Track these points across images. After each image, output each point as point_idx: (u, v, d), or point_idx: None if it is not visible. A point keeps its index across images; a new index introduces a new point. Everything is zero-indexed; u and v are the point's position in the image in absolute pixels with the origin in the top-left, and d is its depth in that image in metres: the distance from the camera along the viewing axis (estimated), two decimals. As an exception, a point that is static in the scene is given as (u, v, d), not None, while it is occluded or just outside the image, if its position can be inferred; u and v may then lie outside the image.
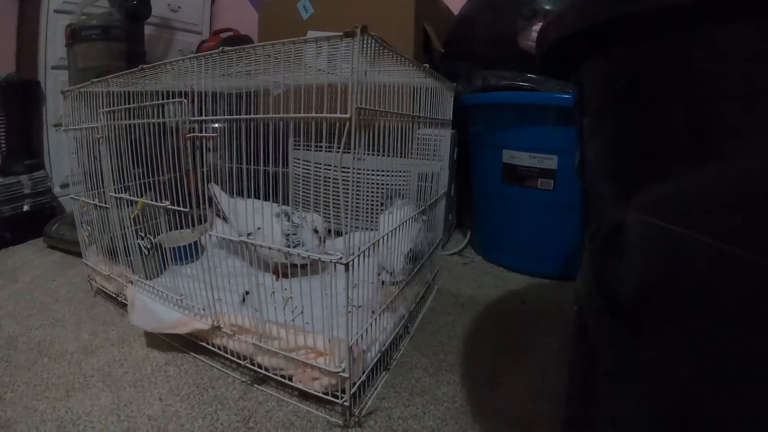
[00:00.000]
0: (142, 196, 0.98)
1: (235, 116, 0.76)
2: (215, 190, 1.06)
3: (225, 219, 1.14)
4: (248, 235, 1.01)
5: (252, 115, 0.73)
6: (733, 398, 0.33)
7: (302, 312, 0.80)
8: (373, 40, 0.65)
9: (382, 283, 0.94)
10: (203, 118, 0.79)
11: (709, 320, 0.34)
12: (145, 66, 0.90)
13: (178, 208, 0.86)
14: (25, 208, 1.78)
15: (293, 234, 1.10)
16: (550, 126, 1.33)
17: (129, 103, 0.96)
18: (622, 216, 0.42)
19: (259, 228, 1.01)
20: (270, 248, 0.79)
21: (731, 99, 0.32)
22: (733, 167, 0.32)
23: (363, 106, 0.65)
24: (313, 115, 0.66)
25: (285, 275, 1.10)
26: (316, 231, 1.15)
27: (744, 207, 0.31)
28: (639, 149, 0.41)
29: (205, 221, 0.92)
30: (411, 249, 1.00)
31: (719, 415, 0.35)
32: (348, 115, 0.62)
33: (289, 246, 1.08)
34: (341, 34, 0.61)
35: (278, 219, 1.10)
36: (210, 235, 0.87)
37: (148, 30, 2.05)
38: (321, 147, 0.69)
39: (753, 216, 0.30)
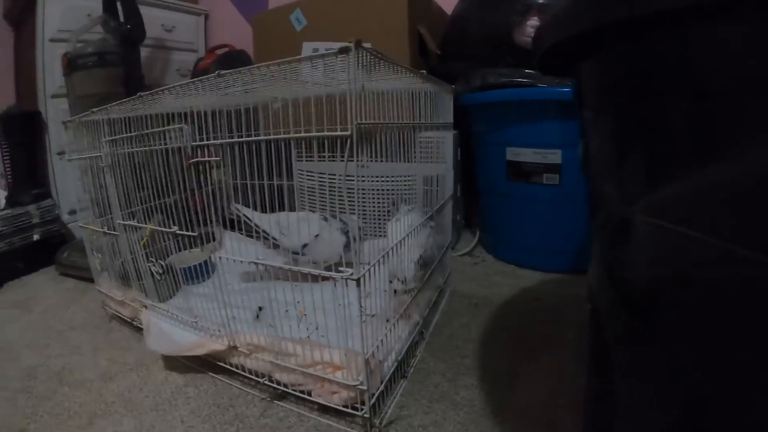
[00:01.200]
0: (149, 220, 0.99)
1: (235, 139, 0.76)
2: (243, 210, 1.06)
3: (257, 237, 1.14)
4: (304, 246, 1.03)
5: (252, 138, 0.74)
6: (751, 394, 0.33)
7: (317, 328, 0.80)
8: (368, 53, 0.65)
9: (395, 292, 0.94)
10: (204, 143, 0.79)
11: (721, 318, 0.34)
12: (143, 93, 0.91)
13: (186, 233, 0.87)
14: (35, 237, 1.79)
15: (347, 231, 1.13)
16: (551, 120, 1.32)
17: (130, 129, 0.96)
18: (627, 214, 0.42)
19: (317, 235, 1.02)
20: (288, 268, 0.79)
21: (729, 98, 0.32)
22: (734, 165, 0.31)
23: (363, 121, 0.65)
24: (314, 134, 0.66)
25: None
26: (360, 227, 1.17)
27: (746, 206, 0.31)
28: (637, 149, 0.41)
29: (214, 240, 0.92)
30: (421, 255, 1.00)
31: (737, 411, 0.34)
32: (348, 132, 0.62)
33: (348, 242, 1.11)
34: (336, 51, 0.61)
35: (328, 222, 1.11)
36: (220, 258, 0.87)
37: (144, 52, 2.07)
38: (324, 157, 0.69)
39: (756, 215, 0.30)
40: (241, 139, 0.75)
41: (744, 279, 0.32)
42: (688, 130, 0.35)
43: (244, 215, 1.02)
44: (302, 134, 0.68)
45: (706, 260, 0.34)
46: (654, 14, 0.34)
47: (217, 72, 0.74)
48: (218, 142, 0.77)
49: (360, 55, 0.63)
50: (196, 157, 0.80)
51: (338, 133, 0.62)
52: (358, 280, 0.67)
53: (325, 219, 1.17)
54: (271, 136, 0.71)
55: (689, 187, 0.34)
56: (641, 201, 0.40)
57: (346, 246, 1.13)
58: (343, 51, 0.60)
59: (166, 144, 0.88)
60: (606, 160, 0.48)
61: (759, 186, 0.30)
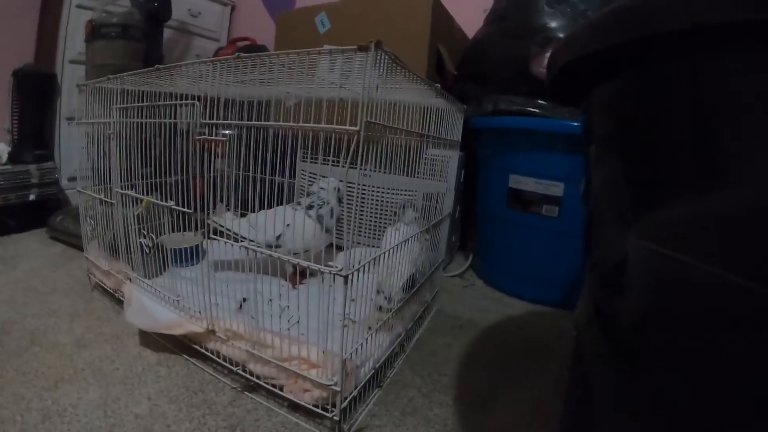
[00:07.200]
0: (147, 195, 0.99)
1: (245, 122, 0.76)
2: (217, 220, 1.04)
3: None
4: (278, 237, 1.02)
5: (262, 122, 0.74)
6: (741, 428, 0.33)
7: (298, 322, 0.80)
8: (386, 56, 0.65)
9: (379, 308, 0.93)
10: (214, 121, 0.80)
11: (710, 352, 0.34)
12: (161, 66, 0.91)
13: (183, 209, 0.87)
14: (32, 197, 1.79)
15: (318, 204, 1.12)
16: (557, 153, 1.33)
17: (142, 102, 0.96)
18: (626, 243, 0.42)
19: (288, 225, 1.02)
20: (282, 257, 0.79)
21: (740, 125, 0.32)
22: (740, 195, 0.31)
23: (372, 120, 0.65)
24: (323, 126, 0.66)
25: (302, 281, 1.11)
26: (338, 190, 1.16)
27: (749, 236, 0.31)
28: (645, 175, 0.41)
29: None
30: (411, 275, 0.99)
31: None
32: (357, 128, 0.62)
33: (321, 217, 1.10)
34: (355, 48, 0.61)
35: (294, 208, 1.11)
36: (211, 240, 0.86)
37: (167, 33, 2.09)
38: (328, 161, 0.70)
39: (759, 245, 0.30)
40: (249, 123, 0.75)
41: (734, 308, 0.31)
42: (695, 157, 0.35)
43: (218, 224, 1.00)
44: (311, 125, 0.68)
45: (702, 289, 0.34)
46: (661, 37, 0.34)
47: (237, 54, 0.74)
48: (227, 122, 0.78)
49: (378, 55, 0.63)
50: (203, 136, 0.80)
51: (347, 128, 0.62)
52: (346, 277, 0.67)
53: (294, 208, 1.15)
54: (280, 123, 0.71)
55: (685, 214, 0.35)
56: (641, 227, 0.40)
57: (326, 231, 1.12)
58: (363, 49, 0.61)
59: (175, 119, 0.88)
60: (610, 186, 0.48)
61: (750, 215, 0.30)
